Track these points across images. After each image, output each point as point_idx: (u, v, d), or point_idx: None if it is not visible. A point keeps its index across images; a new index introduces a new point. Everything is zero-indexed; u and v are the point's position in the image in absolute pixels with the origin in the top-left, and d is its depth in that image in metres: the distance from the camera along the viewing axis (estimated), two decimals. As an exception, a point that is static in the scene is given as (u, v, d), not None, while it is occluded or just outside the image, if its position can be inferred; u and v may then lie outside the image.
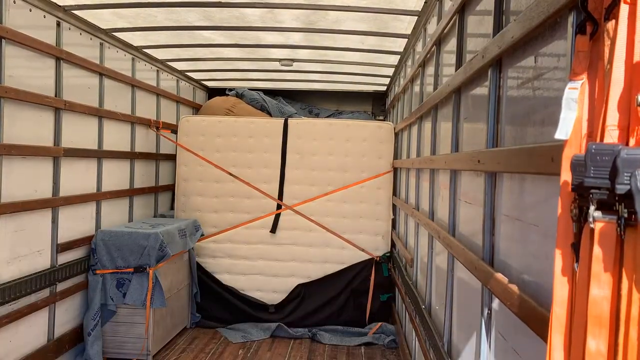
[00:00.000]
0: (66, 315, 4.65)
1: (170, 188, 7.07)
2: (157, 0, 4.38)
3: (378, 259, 6.26)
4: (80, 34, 4.75)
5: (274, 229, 6.35)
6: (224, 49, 5.97)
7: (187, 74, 7.39)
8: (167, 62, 6.61)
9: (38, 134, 4.19)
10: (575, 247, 1.09)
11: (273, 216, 6.39)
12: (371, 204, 6.37)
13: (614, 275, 1.00)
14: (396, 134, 6.44)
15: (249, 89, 7.97)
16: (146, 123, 6.16)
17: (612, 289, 1.00)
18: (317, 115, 8.34)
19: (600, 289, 1.00)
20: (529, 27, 1.77)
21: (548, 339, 1.14)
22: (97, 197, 5.14)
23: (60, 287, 4.49)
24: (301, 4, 4.32)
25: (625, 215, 0.96)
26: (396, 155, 6.46)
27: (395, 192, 6.38)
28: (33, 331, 4.16)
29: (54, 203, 4.36)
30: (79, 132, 4.79)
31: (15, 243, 3.89)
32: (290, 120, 6.60)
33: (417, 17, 4.41)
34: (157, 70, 6.50)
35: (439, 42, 3.67)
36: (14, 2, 3.81)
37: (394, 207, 6.37)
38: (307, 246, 6.33)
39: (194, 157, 6.49)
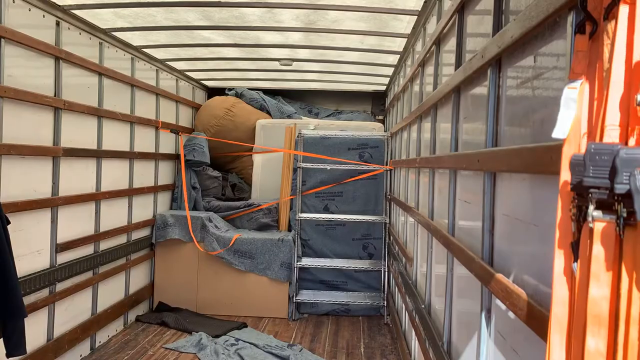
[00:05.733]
0: (65, 315, 4.65)
1: (170, 188, 7.07)
2: (157, 0, 4.37)
3: None
4: (80, 33, 4.75)
5: None
6: (223, 48, 5.97)
7: (187, 73, 7.38)
8: (167, 62, 6.61)
9: (37, 133, 4.19)
10: (575, 246, 1.09)
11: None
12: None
13: (614, 275, 1.00)
14: (395, 133, 6.44)
15: (248, 89, 7.97)
16: (145, 122, 6.16)
17: (612, 288, 1.00)
18: (316, 115, 8.35)
19: (599, 289, 1.00)
20: (528, 27, 1.77)
21: (547, 339, 1.15)
22: (97, 196, 5.13)
23: (60, 287, 4.49)
24: (301, 3, 4.32)
25: (625, 214, 0.96)
26: (395, 155, 6.46)
27: (394, 191, 6.38)
28: (32, 331, 4.15)
29: (53, 203, 4.36)
30: (78, 131, 4.79)
31: (14, 243, 3.88)
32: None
33: (416, 16, 4.41)
34: (157, 70, 6.50)
35: (439, 41, 3.67)
36: (13, 2, 3.80)
37: (394, 206, 6.37)
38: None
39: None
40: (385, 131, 7.42)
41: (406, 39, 5.10)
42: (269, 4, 4.38)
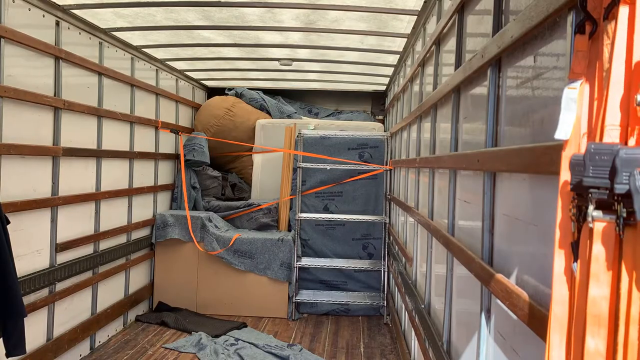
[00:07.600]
0: (65, 315, 4.65)
1: (170, 187, 7.07)
2: (157, 0, 4.37)
3: None
4: (80, 33, 4.75)
5: None
6: (223, 48, 5.97)
7: (187, 73, 7.38)
8: (167, 62, 6.61)
9: (37, 133, 4.18)
10: (575, 246, 1.09)
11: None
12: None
13: (613, 275, 1.00)
14: (395, 133, 6.45)
15: (248, 89, 7.97)
16: (145, 122, 6.16)
17: (612, 288, 1.00)
18: (316, 115, 8.35)
19: (599, 289, 1.00)
20: (528, 27, 1.77)
21: (547, 339, 1.15)
22: (96, 196, 5.13)
23: (60, 286, 4.49)
24: (300, 3, 4.32)
25: (624, 214, 0.96)
26: (395, 155, 6.47)
27: (394, 191, 6.38)
28: (32, 331, 4.15)
29: (53, 202, 4.36)
30: (78, 131, 4.79)
31: (14, 243, 3.87)
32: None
33: (416, 16, 4.41)
34: (157, 70, 6.50)
35: (439, 41, 3.67)
36: (13, 2, 3.80)
37: (393, 206, 6.37)
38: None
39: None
40: (385, 131, 7.42)
41: (406, 39, 5.10)
42: (269, 4, 4.38)
